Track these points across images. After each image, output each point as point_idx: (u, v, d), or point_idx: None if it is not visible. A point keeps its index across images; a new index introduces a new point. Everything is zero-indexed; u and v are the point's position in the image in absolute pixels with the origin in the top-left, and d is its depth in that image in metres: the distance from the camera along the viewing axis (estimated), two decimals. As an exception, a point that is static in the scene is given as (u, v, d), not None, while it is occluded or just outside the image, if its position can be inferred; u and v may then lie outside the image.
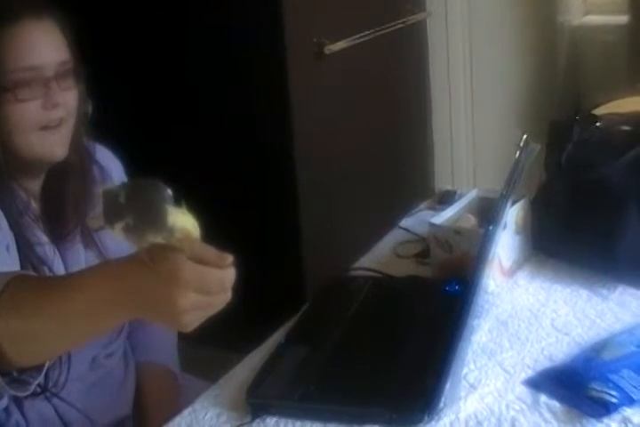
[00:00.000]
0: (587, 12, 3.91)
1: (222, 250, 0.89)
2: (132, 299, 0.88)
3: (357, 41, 2.52)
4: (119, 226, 0.83)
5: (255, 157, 2.44)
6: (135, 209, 0.83)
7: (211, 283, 0.86)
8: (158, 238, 0.84)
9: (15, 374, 0.99)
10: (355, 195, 2.64)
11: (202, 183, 2.38)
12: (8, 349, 0.93)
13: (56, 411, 1.32)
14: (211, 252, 0.88)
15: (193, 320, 0.87)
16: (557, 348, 1.24)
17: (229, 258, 0.88)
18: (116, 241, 0.86)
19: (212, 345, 1.78)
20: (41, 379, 1.03)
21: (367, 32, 2.56)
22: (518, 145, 1.40)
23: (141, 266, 0.87)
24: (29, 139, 1.26)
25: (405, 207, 1.84)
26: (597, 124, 1.55)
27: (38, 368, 1.02)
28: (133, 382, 1.50)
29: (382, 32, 2.63)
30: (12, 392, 1.00)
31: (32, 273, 1.20)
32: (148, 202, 0.84)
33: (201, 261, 0.86)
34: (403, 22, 2.77)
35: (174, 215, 0.83)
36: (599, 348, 1.18)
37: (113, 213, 0.84)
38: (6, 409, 1.27)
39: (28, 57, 1.23)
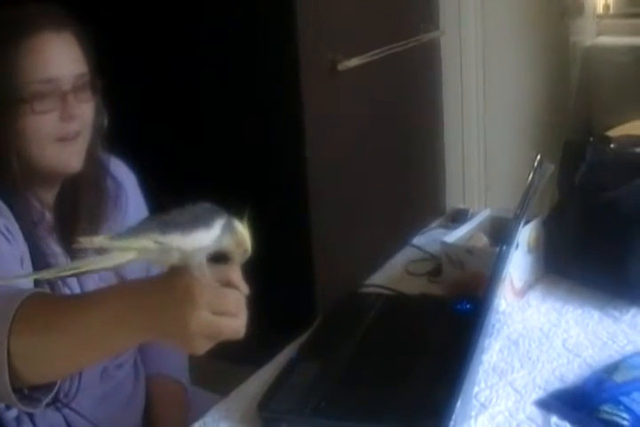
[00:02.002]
0: (600, 33, 3.91)
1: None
2: (148, 319, 0.88)
3: (371, 58, 2.53)
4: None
5: (268, 172, 2.45)
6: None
7: (228, 303, 0.86)
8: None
9: (26, 391, 0.99)
10: (367, 212, 2.64)
11: (214, 198, 2.39)
12: (20, 366, 0.94)
13: (66, 421, 1.32)
14: (231, 273, 0.89)
15: (205, 344, 0.86)
16: (569, 369, 1.23)
17: (246, 288, 0.89)
18: None
19: (223, 359, 1.77)
20: (51, 396, 1.03)
21: (381, 49, 2.57)
22: (532, 165, 1.40)
23: (159, 285, 0.88)
24: (45, 150, 1.26)
25: (417, 225, 1.84)
26: (611, 145, 1.55)
27: (49, 386, 1.02)
28: (143, 394, 1.50)
29: (396, 50, 2.64)
30: (24, 409, 1.00)
31: (47, 291, 1.20)
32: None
33: (222, 282, 0.87)
34: (416, 40, 2.78)
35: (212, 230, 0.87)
36: (611, 370, 1.18)
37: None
38: (17, 418, 1.27)
39: (45, 69, 1.24)
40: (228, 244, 0.90)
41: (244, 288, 0.89)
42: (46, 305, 0.92)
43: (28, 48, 1.23)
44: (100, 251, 0.87)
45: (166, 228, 0.87)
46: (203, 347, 0.86)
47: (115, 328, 0.90)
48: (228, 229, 0.90)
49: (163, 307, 0.86)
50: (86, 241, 0.87)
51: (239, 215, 0.91)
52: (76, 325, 0.90)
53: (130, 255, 0.87)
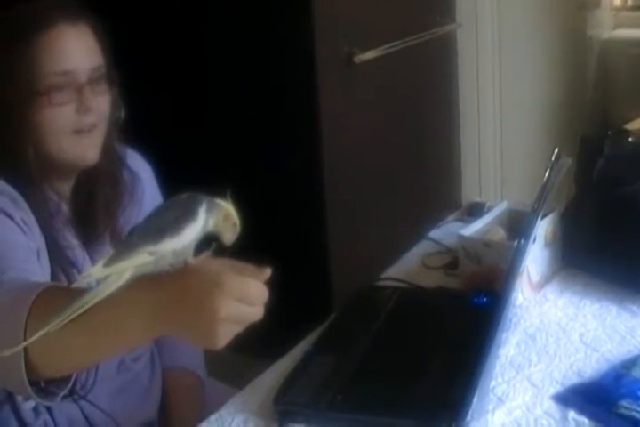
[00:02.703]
0: (617, 26, 3.89)
1: (252, 258, 0.90)
2: (170, 310, 0.87)
3: (387, 51, 2.52)
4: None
5: (283, 166, 2.44)
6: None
7: (253, 293, 0.87)
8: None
9: (43, 384, 0.99)
10: (383, 205, 2.64)
11: (229, 191, 2.39)
12: (37, 360, 0.94)
13: (83, 413, 1.33)
14: (250, 266, 0.89)
15: (227, 333, 0.86)
16: (586, 363, 1.23)
17: (268, 271, 0.89)
18: None
19: (239, 352, 1.77)
20: (67, 389, 1.03)
21: (397, 42, 2.56)
22: (549, 159, 1.39)
23: (182, 276, 0.87)
24: (62, 143, 1.27)
25: (433, 219, 1.83)
26: (629, 139, 1.54)
27: (65, 379, 1.02)
28: (159, 386, 1.51)
29: (412, 42, 2.63)
30: (40, 401, 1.01)
31: (63, 284, 1.20)
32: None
33: (242, 273, 0.87)
34: (433, 33, 2.77)
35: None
36: (629, 365, 1.18)
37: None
38: (35, 409, 1.28)
39: (62, 62, 1.24)
40: (213, 223, 0.90)
41: (263, 275, 0.89)
42: (62, 298, 0.91)
43: (44, 41, 1.23)
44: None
45: (158, 235, 0.87)
46: (225, 338, 0.86)
47: (133, 322, 0.90)
48: (211, 210, 0.90)
49: (190, 296, 0.86)
50: (86, 277, 0.89)
51: (221, 196, 0.91)
52: (91, 320, 0.90)
53: (127, 274, 0.88)
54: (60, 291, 1.01)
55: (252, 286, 0.86)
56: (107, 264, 0.87)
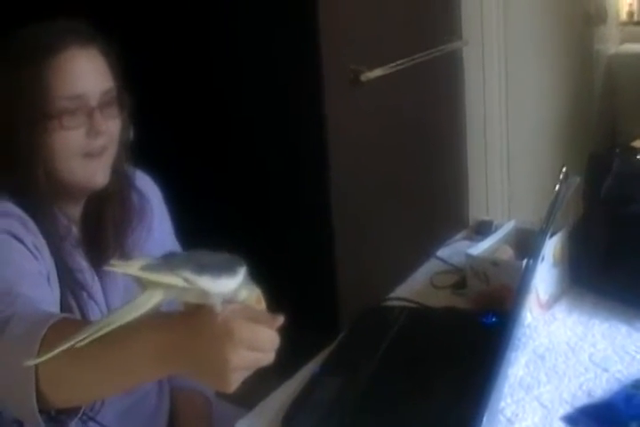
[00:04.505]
0: (623, 40, 3.90)
1: (259, 278, 0.91)
2: (180, 353, 0.87)
3: (394, 69, 2.53)
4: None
5: (289, 185, 2.45)
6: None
7: (264, 341, 0.87)
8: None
9: (53, 413, 0.99)
10: (390, 224, 2.64)
11: (236, 213, 2.40)
12: (47, 391, 0.94)
13: (91, 434, 1.33)
14: (263, 312, 0.90)
15: (238, 379, 0.87)
16: (596, 384, 1.22)
17: (281, 319, 0.89)
18: None
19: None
20: (77, 419, 1.03)
21: (404, 60, 2.57)
22: (558, 177, 1.39)
23: (193, 320, 0.88)
24: (72, 166, 1.27)
25: (440, 237, 1.83)
26: (637, 156, 1.54)
27: (75, 409, 1.02)
28: (168, 407, 1.51)
29: (419, 60, 2.63)
30: None
31: (75, 316, 1.20)
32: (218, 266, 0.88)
33: (254, 320, 0.87)
34: (439, 51, 2.78)
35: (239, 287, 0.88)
36: (640, 385, 1.17)
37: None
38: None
39: (73, 85, 1.25)
40: (244, 297, 0.90)
41: (276, 323, 0.89)
42: (75, 330, 0.91)
43: (56, 64, 1.24)
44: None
45: (200, 268, 0.86)
46: (236, 384, 0.86)
47: (144, 363, 0.90)
48: (248, 283, 0.91)
49: (200, 343, 0.86)
50: (120, 266, 0.87)
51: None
52: (103, 359, 0.90)
53: (156, 298, 0.86)
54: (74, 323, 1.01)
55: (264, 334, 0.87)
56: (144, 268, 0.85)
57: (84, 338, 0.86)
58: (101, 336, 0.86)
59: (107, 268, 0.86)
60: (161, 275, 0.86)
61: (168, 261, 0.88)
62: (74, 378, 0.93)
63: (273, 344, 0.88)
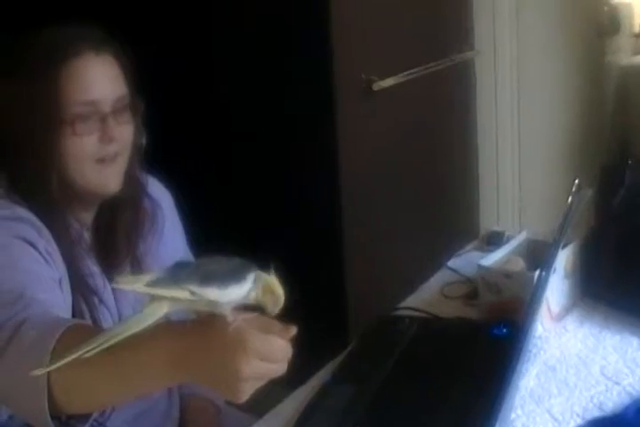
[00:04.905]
0: (636, 52, 3.88)
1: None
2: (191, 362, 0.87)
3: (406, 78, 2.53)
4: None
5: (300, 194, 2.45)
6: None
7: (276, 352, 0.86)
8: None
9: (63, 418, 0.99)
10: (400, 234, 2.63)
11: (247, 222, 2.40)
12: (58, 396, 0.94)
13: (101, 441, 1.33)
14: (276, 322, 0.89)
15: (250, 389, 0.86)
16: (607, 396, 1.22)
17: (293, 330, 0.89)
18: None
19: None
20: (89, 424, 1.03)
21: (416, 70, 2.57)
22: (570, 189, 1.39)
23: (206, 328, 0.87)
24: (85, 171, 1.27)
25: (451, 247, 1.83)
26: (650, 168, 1.54)
27: (86, 415, 1.02)
28: (177, 413, 1.51)
29: (431, 70, 2.64)
30: None
31: (88, 323, 1.20)
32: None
33: (266, 330, 0.87)
34: (451, 60, 2.78)
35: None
36: (651, 398, 1.17)
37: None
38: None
39: (87, 92, 1.25)
40: (254, 297, 0.90)
41: (289, 333, 0.89)
42: (87, 336, 0.91)
43: (69, 71, 1.24)
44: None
45: (206, 280, 0.86)
46: (247, 394, 0.86)
47: (156, 370, 0.90)
48: (257, 282, 0.90)
49: (212, 352, 0.86)
50: (125, 282, 0.88)
51: (267, 269, 0.90)
52: (115, 366, 0.90)
53: (163, 309, 0.87)
54: (86, 329, 1.02)
55: (276, 345, 0.86)
56: (149, 285, 0.86)
57: (93, 348, 0.86)
58: (114, 344, 0.87)
59: (114, 286, 0.86)
60: (167, 289, 0.86)
61: (175, 274, 0.88)
62: (86, 385, 0.93)
63: (285, 355, 0.87)
